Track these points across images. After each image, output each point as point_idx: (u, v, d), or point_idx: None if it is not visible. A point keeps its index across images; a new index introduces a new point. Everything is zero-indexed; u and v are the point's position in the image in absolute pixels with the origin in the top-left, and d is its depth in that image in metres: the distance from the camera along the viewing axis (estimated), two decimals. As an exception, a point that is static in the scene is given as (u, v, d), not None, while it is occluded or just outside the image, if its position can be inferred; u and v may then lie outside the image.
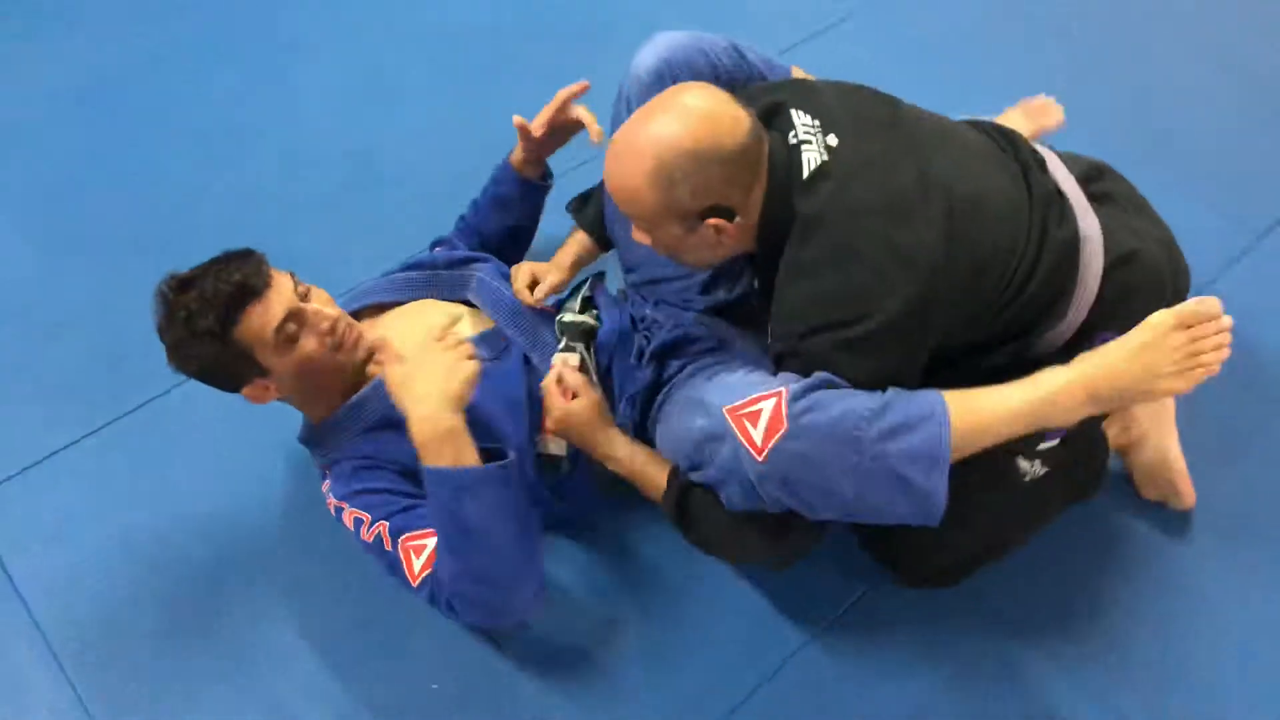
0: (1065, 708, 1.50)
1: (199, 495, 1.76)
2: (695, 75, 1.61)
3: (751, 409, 1.30)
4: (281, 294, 1.50)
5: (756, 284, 1.61)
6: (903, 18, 2.71)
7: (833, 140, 1.39)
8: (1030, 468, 1.46)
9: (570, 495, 1.62)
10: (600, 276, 1.78)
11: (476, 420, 1.51)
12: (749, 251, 1.47)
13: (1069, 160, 1.59)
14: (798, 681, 1.53)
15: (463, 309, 1.71)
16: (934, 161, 1.40)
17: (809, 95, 1.46)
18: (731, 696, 1.52)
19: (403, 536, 1.45)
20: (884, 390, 1.30)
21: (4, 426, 1.85)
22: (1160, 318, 1.27)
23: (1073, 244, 1.44)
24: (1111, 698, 1.51)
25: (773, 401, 1.28)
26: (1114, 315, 1.44)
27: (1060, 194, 1.49)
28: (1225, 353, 1.28)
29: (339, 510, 1.53)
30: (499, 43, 2.65)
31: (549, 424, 1.54)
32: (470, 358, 1.41)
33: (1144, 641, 1.56)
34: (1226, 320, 1.28)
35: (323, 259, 2.00)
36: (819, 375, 1.31)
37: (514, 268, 1.73)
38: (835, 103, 1.44)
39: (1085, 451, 1.53)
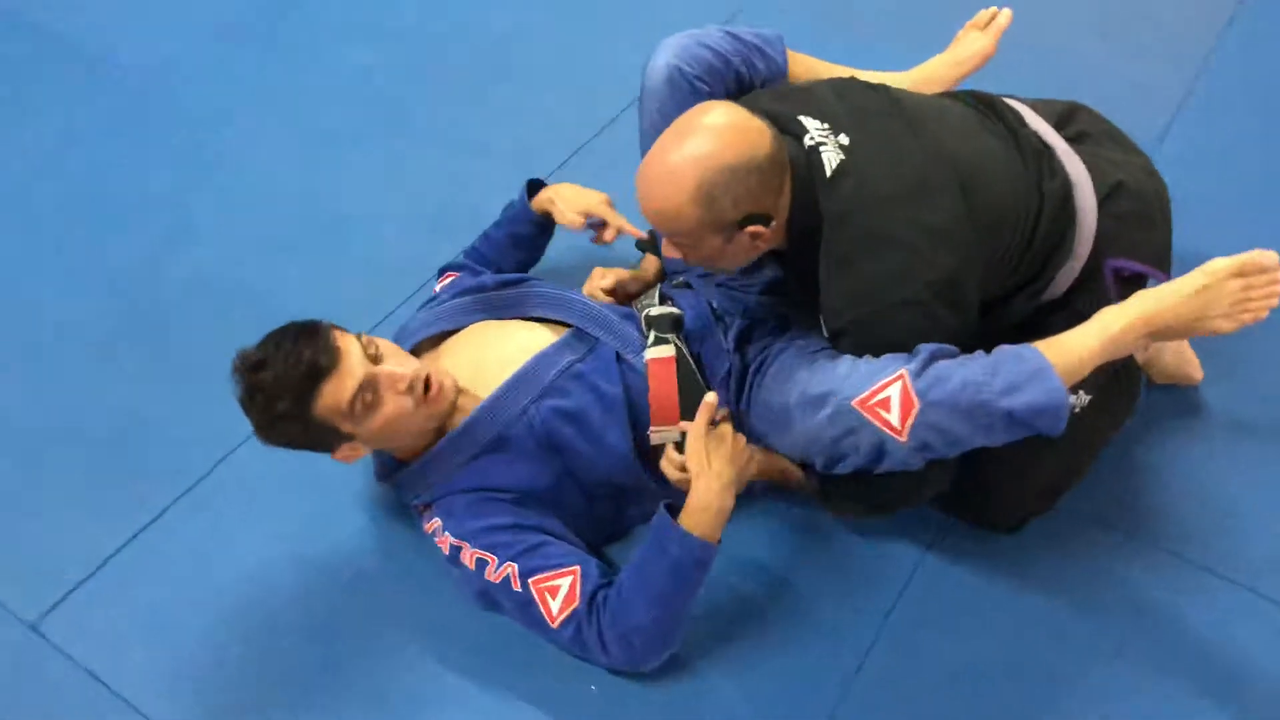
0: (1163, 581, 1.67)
1: (282, 558, 1.74)
2: (705, 69, 1.71)
3: (879, 397, 1.40)
4: (352, 365, 1.50)
5: (785, 275, 1.67)
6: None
7: (844, 140, 1.49)
8: (1076, 399, 1.57)
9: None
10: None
11: (577, 419, 1.58)
12: (778, 248, 1.56)
13: (1043, 106, 1.72)
14: (908, 631, 1.62)
15: (530, 324, 1.74)
16: (936, 139, 1.52)
17: (809, 99, 1.56)
18: (862, 638, 1.61)
19: (533, 578, 1.50)
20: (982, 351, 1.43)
21: (52, 538, 1.77)
22: (1219, 264, 1.39)
23: (1066, 192, 1.58)
24: (1172, 546, 1.70)
25: (898, 385, 1.39)
26: (1116, 243, 1.60)
27: (1046, 146, 1.62)
28: (1274, 301, 1.40)
29: (456, 549, 1.55)
30: (403, 80, 2.67)
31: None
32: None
33: (1196, 511, 1.75)
34: None
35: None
36: (925, 348, 1.43)
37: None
38: (835, 102, 1.55)
39: (1123, 372, 1.65)
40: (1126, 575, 1.67)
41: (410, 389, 1.53)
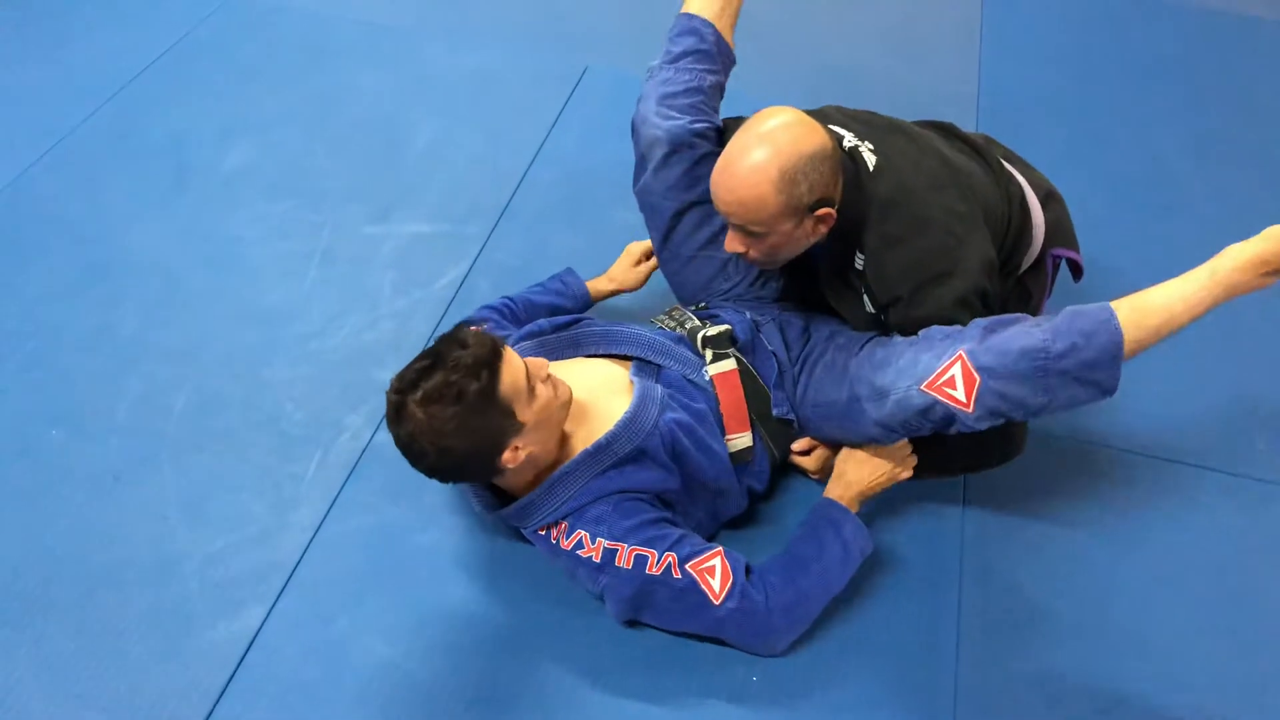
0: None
1: (399, 639, 1.74)
2: (692, 111, 1.94)
3: (945, 377, 1.62)
4: (510, 350, 1.60)
5: (818, 261, 1.87)
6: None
7: (869, 145, 1.76)
8: None
9: (752, 474, 1.86)
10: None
11: (689, 430, 1.73)
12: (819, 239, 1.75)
13: (934, 125, 2.02)
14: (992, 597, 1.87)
15: (593, 360, 1.87)
16: (934, 148, 1.81)
17: (825, 119, 1.78)
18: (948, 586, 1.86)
19: (690, 563, 1.63)
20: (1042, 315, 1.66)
21: (154, 687, 1.66)
22: None
23: (1021, 196, 1.92)
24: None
25: (959, 365, 1.61)
26: (1054, 236, 1.96)
27: (998, 160, 1.95)
28: None
29: (610, 553, 1.63)
30: (291, 171, 2.68)
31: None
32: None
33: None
34: None
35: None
36: (978, 322, 1.65)
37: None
38: (847, 120, 1.82)
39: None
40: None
41: (548, 378, 1.64)
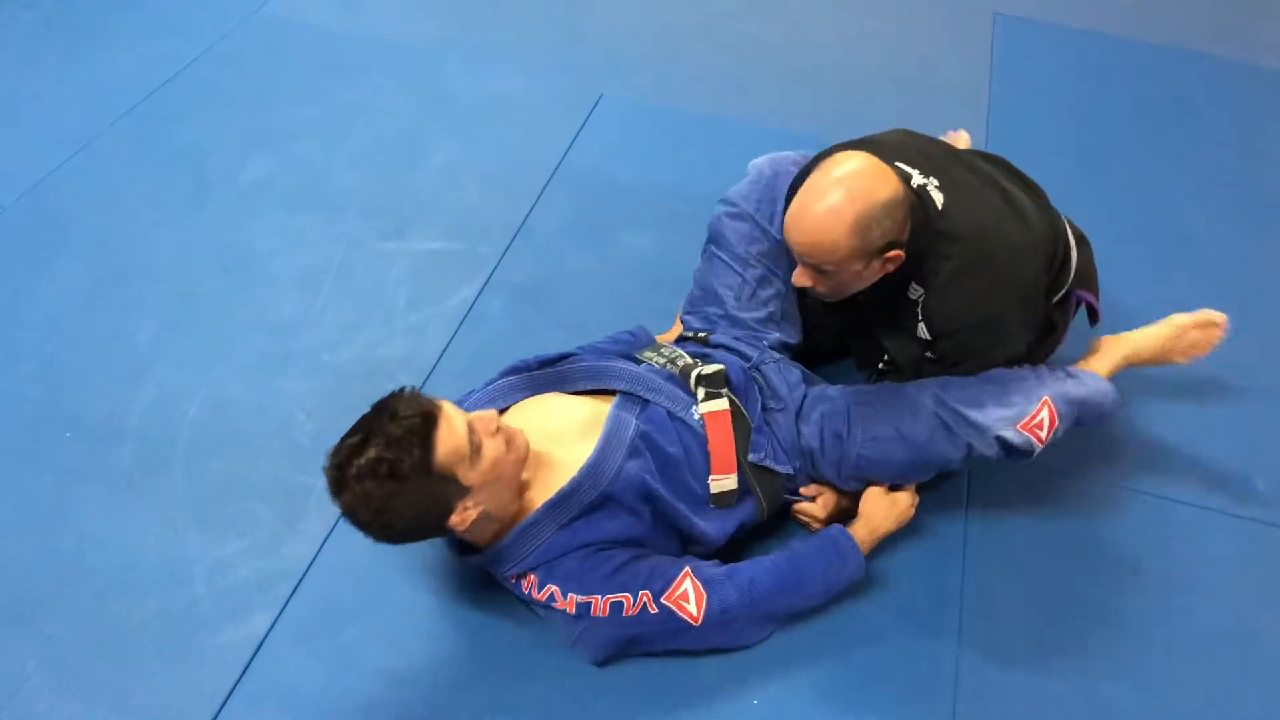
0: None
1: (390, 669, 1.75)
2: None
3: (680, 590, 1.67)
4: (452, 410, 1.56)
5: (867, 295, 1.88)
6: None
7: (934, 181, 1.79)
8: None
9: (733, 514, 1.83)
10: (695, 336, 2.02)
11: (658, 476, 1.73)
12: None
13: (989, 158, 2.07)
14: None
15: (573, 398, 1.84)
16: (990, 179, 1.87)
17: (891, 151, 1.80)
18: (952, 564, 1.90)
19: (664, 596, 1.66)
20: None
21: (161, 690, 1.68)
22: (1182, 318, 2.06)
23: (1065, 232, 1.97)
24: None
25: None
26: (1083, 278, 2.01)
27: (1046, 197, 2.00)
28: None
29: (585, 605, 1.64)
30: (312, 185, 2.71)
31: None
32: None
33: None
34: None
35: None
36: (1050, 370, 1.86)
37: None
38: (912, 152, 1.84)
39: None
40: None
41: (498, 430, 1.60)
